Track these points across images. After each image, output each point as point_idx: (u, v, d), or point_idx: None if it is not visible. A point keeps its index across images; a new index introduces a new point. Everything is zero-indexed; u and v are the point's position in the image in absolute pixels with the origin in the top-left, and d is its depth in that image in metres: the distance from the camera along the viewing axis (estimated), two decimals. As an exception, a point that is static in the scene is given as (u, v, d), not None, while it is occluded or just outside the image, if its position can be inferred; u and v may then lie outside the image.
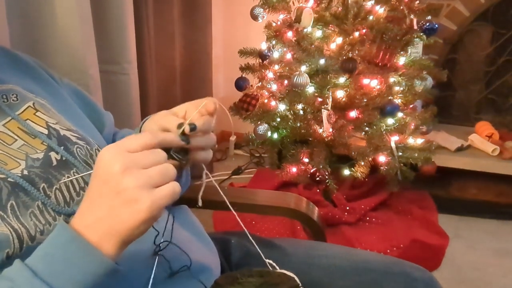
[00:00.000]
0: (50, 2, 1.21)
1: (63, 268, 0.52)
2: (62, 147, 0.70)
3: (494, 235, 2.00)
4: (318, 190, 2.07)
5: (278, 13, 1.84)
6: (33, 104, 0.73)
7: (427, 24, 1.76)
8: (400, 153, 1.85)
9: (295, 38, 1.81)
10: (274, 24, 1.88)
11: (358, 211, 2.00)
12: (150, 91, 1.78)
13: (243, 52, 1.93)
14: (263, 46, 1.90)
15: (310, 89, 1.77)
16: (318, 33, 1.83)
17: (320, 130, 1.79)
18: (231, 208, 0.69)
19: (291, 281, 0.63)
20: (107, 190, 0.52)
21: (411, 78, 1.80)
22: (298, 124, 1.90)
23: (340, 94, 1.78)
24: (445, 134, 2.32)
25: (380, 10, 1.81)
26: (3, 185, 0.62)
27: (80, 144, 0.73)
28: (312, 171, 1.85)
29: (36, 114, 0.73)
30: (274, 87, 1.89)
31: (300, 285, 0.63)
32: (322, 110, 1.74)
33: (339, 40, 1.82)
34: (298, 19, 1.69)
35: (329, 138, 1.80)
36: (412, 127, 1.89)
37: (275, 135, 1.97)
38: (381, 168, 1.85)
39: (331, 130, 1.76)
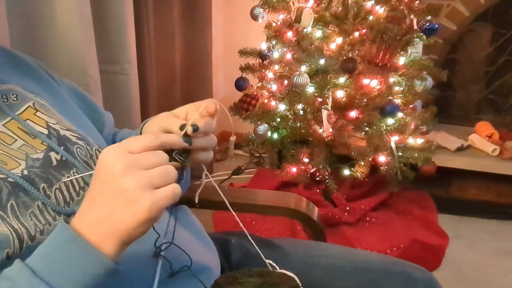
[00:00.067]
0: (50, 2, 1.21)
1: (63, 268, 0.52)
2: (62, 147, 0.70)
3: (494, 235, 2.00)
4: (318, 190, 2.07)
5: (278, 13, 1.84)
6: (33, 104, 0.73)
7: (427, 24, 1.76)
8: (400, 153, 1.85)
9: (295, 38, 1.81)
10: (274, 24, 1.88)
11: (358, 211, 2.00)
12: (150, 91, 1.78)
13: (243, 52, 1.93)
14: (263, 46, 1.90)
15: (310, 89, 1.77)
16: (318, 33, 1.83)
17: (320, 130, 1.79)
18: (230, 208, 0.69)
19: (291, 281, 0.63)
20: (108, 191, 0.52)
21: (411, 78, 1.80)
22: (298, 124, 1.90)
23: (340, 94, 1.78)
24: (445, 134, 2.32)
25: (380, 10, 1.81)
26: (3, 185, 0.62)
27: (80, 144, 0.73)
28: (312, 171, 1.85)
29: (36, 114, 0.73)
30: (274, 87, 1.89)
31: (300, 285, 0.63)
32: (322, 110, 1.74)
33: (339, 40, 1.82)
34: (298, 19, 1.69)
35: (329, 138, 1.80)
36: (412, 127, 1.89)
37: (275, 135, 1.97)
38: (381, 168, 1.85)
39: (331, 130, 1.76)
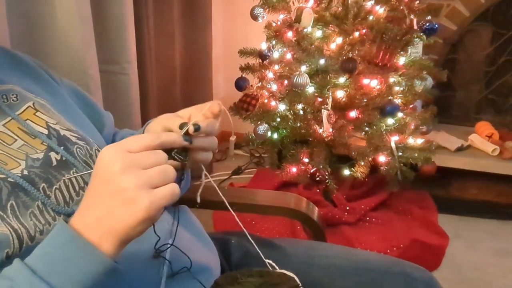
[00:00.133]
0: (50, 2, 1.21)
1: (62, 268, 0.52)
2: (62, 147, 0.70)
3: (494, 235, 2.00)
4: (318, 190, 2.07)
5: (278, 13, 1.84)
6: (33, 104, 0.73)
7: (427, 24, 1.76)
8: (400, 153, 1.85)
9: (295, 38, 1.81)
10: (274, 24, 1.88)
11: (358, 211, 2.00)
12: (150, 91, 1.78)
13: (243, 52, 1.93)
14: (263, 46, 1.90)
15: (310, 89, 1.77)
16: (318, 33, 1.83)
17: (320, 130, 1.79)
18: (230, 208, 0.69)
19: (291, 281, 0.63)
20: (107, 190, 0.52)
21: (411, 78, 1.80)
22: (298, 124, 1.90)
23: (340, 94, 1.78)
24: (445, 134, 2.32)
25: (380, 10, 1.81)
26: (3, 185, 0.62)
27: (80, 144, 0.73)
28: (312, 171, 1.85)
29: (36, 114, 0.73)
30: (274, 87, 1.89)
31: (300, 285, 0.63)
32: (322, 110, 1.74)
33: (339, 40, 1.82)
34: (298, 19, 1.69)
35: (329, 138, 1.80)
36: (412, 127, 1.89)
37: (275, 135, 1.97)
38: (381, 168, 1.85)
39: (331, 130, 1.76)
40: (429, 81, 1.85)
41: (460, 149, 2.22)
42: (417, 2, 1.81)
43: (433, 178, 2.13)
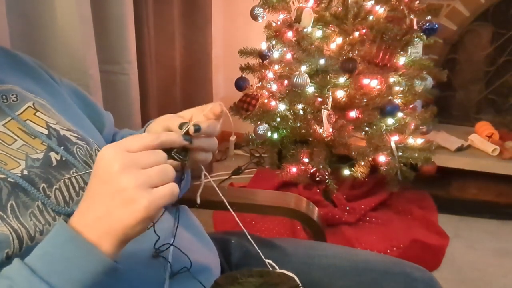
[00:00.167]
0: (50, 2, 1.21)
1: (62, 267, 0.52)
2: (62, 147, 0.70)
3: (494, 235, 2.00)
4: (318, 190, 2.07)
5: (278, 13, 1.84)
6: (33, 104, 0.73)
7: (427, 24, 1.76)
8: (400, 153, 1.85)
9: (295, 38, 1.81)
10: (274, 24, 1.88)
11: (358, 211, 2.00)
12: (150, 91, 1.78)
13: (243, 52, 1.93)
14: (263, 46, 1.90)
15: (310, 89, 1.77)
16: (318, 33, 1.83)
17: (320, 130, 1.79)
18: (230, 209, 0.69)
19: (291, 281, 0.63)
20: (106, 190, 0.52)
21: (411, 78, 1.80)
22: (298, 124, 1.90)
23: (340, 94, 1.78)
24: (445, 134, 2.32)
25: (380, 10, 1.81)
26: (3, 185, 0.62)
27: (80, 144, 0.73)
28: (312, 171, 1.85)
29: (36, 114, 0.73)
30: (274, 87, 1.89)
31: (300, 285, 0.63)
32: (322, 110, 1.74)
33: (339, 40, 1.82)
34: (298, 19, 1.69)
35: (329, 138, 1.80)
36: (412, 127, 1.89)
37: (275, 135, 1.97)
38: (381, 168, 1.85)
39: (331, 130, 1.76)
40: (429, 81, 1.85)
41: (460, 149, 2.22)
42: (417, 2, 1.81)
43: (433, 178, 2.13)
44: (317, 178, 1.86)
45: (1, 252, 0.57)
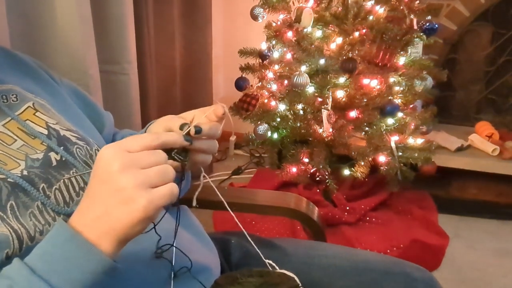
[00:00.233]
0: (50, 2, 1.21)
1: (62, 267, 0.52)
2: (61, 148, 0.70)
3: (494, 235, 2.00)
4: (318, 190, 2.07)
5: (278, 13, 1.84)
6: (33, 104, 0.73)
7: (427, 24, 1.76)
8: (400, 153, 1.85)
9: (295, 38, 1.81)
10: (274, 24, 1.88)
11: (358, 211, 2.00)
12: (150, 91, 1.78)
13: (243, 52, 1.93)
14: (263, 46, 1.90)
15: (310, 89, 1.77)
16: (318, 33, 1.83)
17: (320, 130, 1.79)
18: (229, 209, 0.69)
19: (291, 281, 0.63)
20: (106, 189, 0.52)
21: (411, 78, 1.80)
22: (298, 124, 1.90)
23: (340, 94, 1.78)
24: (445, 134, 2.32)
25: (380, 10, 1.81)
26: (2, 185, 0.62)
27: (79, 144, 0.73)
28: (312, 171, 1.85)
29: (36, 114, 0.73)
30: (274, 87, 1.89)
31: (300, 285, 0.63)
32: (322, 110, 1.74)
33: (339, 40, 1.82)
34: (298, 19, 1.69)
35: (329, 138, 1.80)
36: (412, 127, 1.89)
37: (275, 135, 1.97)
38: (381, 168, 1.84)
39: (331, 130, 1.76)
40: (429, 81, 1.85)
41: (460, 149, 2.22)
42: (417, 2, 1.81)
43: (433, 178, 2.13)
44: (317, 178, 1.86)
45: (1, 252, 0.57)
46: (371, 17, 1.81)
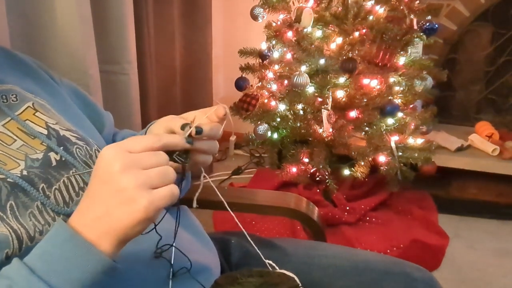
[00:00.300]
0: (50, 2, 1.21)
1: (61, 267, 0.52)
2: (61, 148, 0.70)
3: (494, 235, 2.00)
4: (318, 190, 2.07)
5: (278, 13, 1.84)
6: (33, 104, 0.73)
7: (427, 24, 1.76)
8: (400, 153, 1.85)
9: (295, 38, 1.81)
10: (274, 24, 1.88)
11: (358, 211, 2.00)
12: (150, 91, 1.78)
13: (243, 52, 1.93)
14: (263, 46, 1.90)
15: (310, 89, 1.77)
16: (318, 33, 1.83)
17: (320, 130, 1.79)
18: (229, 209, 0.69)
19: (291, 281, 0.63)
20: (106, 189, 0.52)
21: (411, 78, 1.80)
22: (298, 124, 1.90)
23: (340, 94, 1.78)
24: (445, 134, 2.32)
25: (380, 10, 1.81)
26: (2, 185, 0.62)
27: (79, 144, 0.73)
28: (312, 171, 1.85)
29: (36, 114, 0.73)
30: (274, 87, 1.89)
31: (300, 285, 0.63)
32: (322, 110, 1.74)
33: (339, 40, 1.82)
34: (298, 19, 1.69)
35: (329, 138, 1.80)
36: (412, 127, 1.89)
37: (275, 135, 1.97)
38: (381, 168, 1.84)
39: (331, 130, 1.76)
40: (429, 81, 1.85)
41: (460, 149, 2.22)
42: (417, 2, 1.81)
43: (433, 178, 2.13)
44: (317, 178, 1.86)
45: (1, 252, 0.57)
46: (371, 17, 1.81)
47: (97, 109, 0.91)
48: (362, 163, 1.82)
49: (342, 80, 1.75)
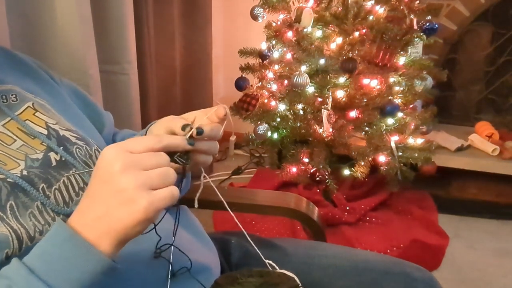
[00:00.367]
0: (50, 2, 1.21)
1: (60, 267, 0.52)
2: (61, 148, 0.70)
3: (494, 235, 2.00)
4: (318, 190, 2.07)
5: (278, 13, 1.84)
6: (33, 104, 0.73)
7: (427, 24, 1.76)
8: (400, 153, 1.85)
9: (295, 38, 1.81)
10: (274, 24, 1.88)
11: (358, 211, 2.00)
12: (150, 91, 1.78)
13: (243, 52, 1.93)
14: (263, 46, 1.90)
15: (310, 89, 1.77)
16: (318, 33, 1.83)
17: (320, 130, 1.79)
18: (229, 210, 0.69)
19: (291, 281, 0.63)
20: (106, 189, 0.52)
21: (411, 78, 1.80)
22: (298, 124, 1.90)
23: (340, 94, 1.78)
24: (445, 134, 2.32)
25: (380, 10, 1.81)
26: (2, 185, 0.62)
27: (79, 144, 0.73)
28: (312, 171, 1.85)
29: (36, 114, 0.73)
30: (274, 87, 1.89)
31: (300, 285, 0.63)
32: (322, 110, 1.74)
33: (339, 40, 1.82)
34: (298, 19, 1.69)
35: (329, 138, 1.80)
36: (412, 127, 1.89)
37: (275, 135, 1.97)
38: (381, 168, 1.84)
39: (331, 130, 1.76)
40: (429, 81, 1.85)
41: (460, 149, 2.22)
42: (417, 2, 1.81)
43: (433, 178, 2.13)
44: (317, 178, 1.86)
45: (1, 253, 0.57)
46: (371, 17, 1.81)
47: (97, 109, 0.91)
48: (362, 163, 1.82)
49: (342, 80, 1.75)
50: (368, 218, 2.02)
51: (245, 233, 0.70)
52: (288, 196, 1.12)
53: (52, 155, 0.69)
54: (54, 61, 1.24)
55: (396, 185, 1.95)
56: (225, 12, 2.61)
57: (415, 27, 1.77)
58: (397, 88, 1.83)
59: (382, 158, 1.83)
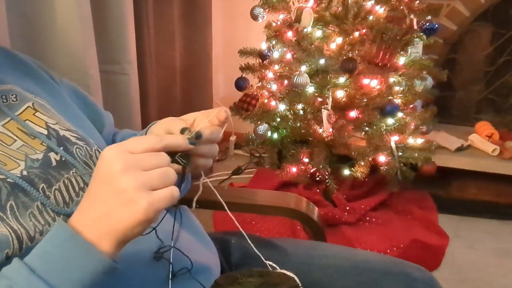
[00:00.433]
0: (50, 2, 1.21)
1: (61, 266, 0.52)
2: (61, 148, 0.70)
3: (494, 235, 2.00)
4: (318, 190, 2.07)
5: (278, 13, 1.84)
6: (33, 104, 0.73)
7: (427, 24, 1.76)
8: (400, 153, 1.85)
9: (295, 38, 1.81)
10: (274, 24, 1.88)
11: (358, 211, 2.00)
12: (150, 91, 1.78)
13: (243, 52, 1.93)
14: (263, 46, 1.90)
15: (310, 89, 1.77)
16: (318, 33, 1.83)
17: (320, 130, 1.79)
18: (228, 211, 0.69)
19: (291, 281, 0.63)
20: (107, 190, 0.52)
21: (411, 78, 1.80)
22: (298, 124, 1.90)
23: (340, 94, 1.78)
24: (445, 134, 2.32)
25: (380, 10, 1.81)
26: (2, 185, 0.62)
27: (79, 144, 0.73)
28: (312, 171, 1.85)
29: (36, 114, 0.72)
30: (274, 87, 1.89)
31: (300, 285, 0.63)
32: (322, 110, 1.74)
33: (339, 40, 1.82)
34: (298, 19, 1.69)
35: (329, 138, 1.80)
36: (412, 127, 1.89)
37: (275, 135, 1.97)
38: (381, 168, 1.85)
39: (331, 130, 1.76)
40: (429, 81, 1.85)
41: (460, 149, 2.22)
42: (417, 2, 1.81)
43: (433, 178, 2.13)
44: (317, 178, 1.86)
45: (1, 253, 0.57)
46: (371, 17, 1.81)
47: (97, 109, 0.91)
48: (362, 163, 1.82)
49: (342, 80, 1.75)
50: (368, 218, 2.02)
51: (245, 234, 0.70)
52: (288, 196, 1.12)
53: (52, 155, 0.69)
54: (54, 61, 1.24)
55: (396, 185, 1.95)
56: (225, 12, 2.61)
57: (415, 27, 1.77)
58: (397, 88, 1.83)
59: (382, 158, 1.83)
